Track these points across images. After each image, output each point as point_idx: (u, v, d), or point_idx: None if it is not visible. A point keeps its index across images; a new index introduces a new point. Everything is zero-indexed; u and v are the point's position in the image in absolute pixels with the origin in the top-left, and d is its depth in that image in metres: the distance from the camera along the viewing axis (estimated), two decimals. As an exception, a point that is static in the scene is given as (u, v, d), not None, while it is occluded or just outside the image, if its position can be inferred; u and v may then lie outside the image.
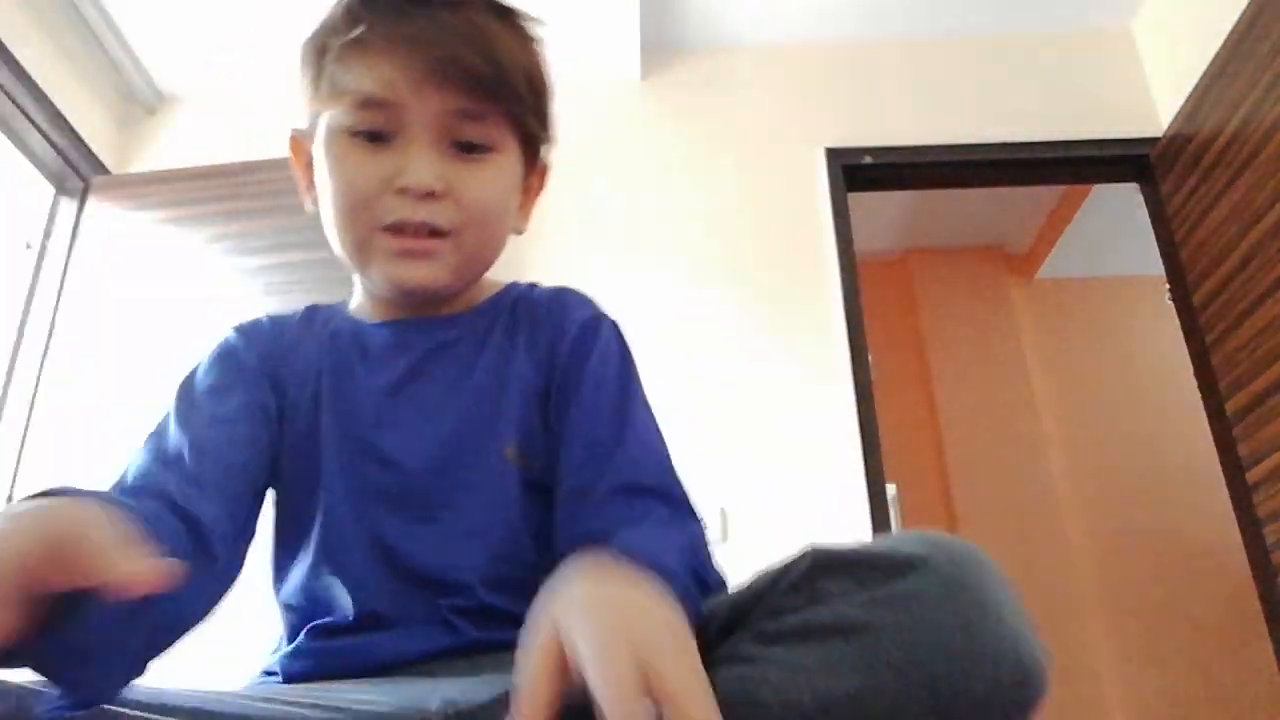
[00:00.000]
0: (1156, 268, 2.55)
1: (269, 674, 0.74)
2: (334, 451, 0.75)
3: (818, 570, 0.51)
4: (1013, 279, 3.95)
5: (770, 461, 2.22)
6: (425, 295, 0.77)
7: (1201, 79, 2.32)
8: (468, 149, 0.73)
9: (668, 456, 0.73)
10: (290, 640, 0.74)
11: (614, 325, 0.82)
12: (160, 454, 0.67)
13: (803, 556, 0.52)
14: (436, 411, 0.76)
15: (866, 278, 2.48)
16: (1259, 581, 2.14)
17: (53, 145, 2.41)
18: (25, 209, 2.48)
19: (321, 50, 0.74)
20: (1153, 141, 2.52)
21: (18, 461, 2.19)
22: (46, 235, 2.47)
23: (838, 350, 2.34)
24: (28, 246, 2.45)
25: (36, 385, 2.27)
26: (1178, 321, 2.44)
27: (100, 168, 2.55)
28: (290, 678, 0.70)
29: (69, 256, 2.41)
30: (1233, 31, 2.20)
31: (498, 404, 0.76)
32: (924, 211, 3.71)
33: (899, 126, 2.60)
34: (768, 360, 2.34)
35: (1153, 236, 2.54)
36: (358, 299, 0.85)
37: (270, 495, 0.77)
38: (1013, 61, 2.69)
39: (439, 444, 0.75)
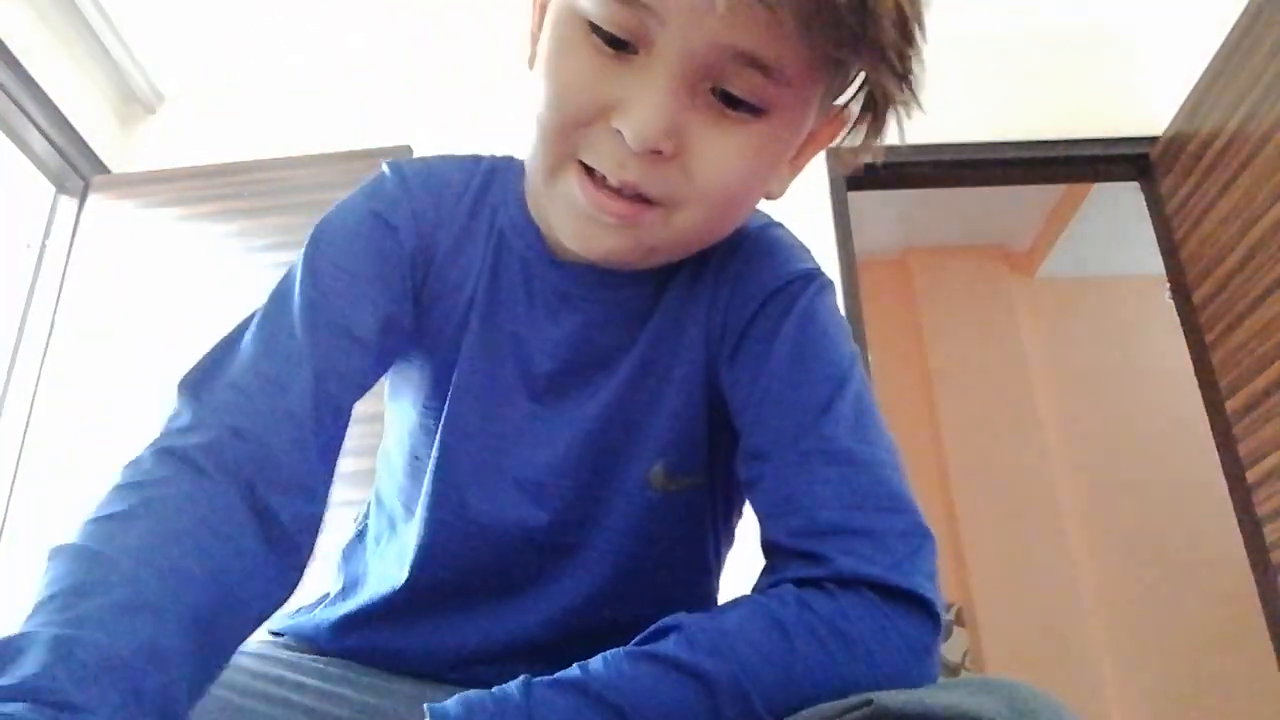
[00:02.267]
0: (1156, 267, 2.55)
1: (279, 633, 0.70)
2: (455, 431, 0.63)
3: None
4: (1013, 278, 3.95)
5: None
6: (607, 265, 0.59)
7: (1201, 79, 2.32)
8: (730, 102, 0.51)
9: (869, 507, 0.52)
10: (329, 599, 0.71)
11: (820, 289, 0.63)
12: (267, 364, 0.55)
13: (861, 703, 0.43)
14: (580, 413, 0.62)
15: (866, 277, 2.48)
16: (1259, 581, 2.14)
17: (53, 145, 2.41)
18: (25, 209, 2.48)
19: None
20: (1153, 141, 2.52)
21: (17, 462, 2.19)
22: (46, 235, 2.47)
23: (838, 350, 2.34)
24: (28, 246, 2.45)
25: (36, 385, 2.27)
26: (1178, 321, 2.44)
27: (100, 167, 2.55)
28: (319, 648, 0.67)
29: (69, 256, 2.41)
30: (1233, 31, 2.20)
31: (655, 398, 0.62)
32: (924, 211, 3.70)
33: (899, 126, 2.59)
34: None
35: (1153, 236, 2.54)
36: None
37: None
38: (1013, 61, 2.69)
39: (575, 468, 0.62)
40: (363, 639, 0.66)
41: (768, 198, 0.60)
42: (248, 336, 0.57)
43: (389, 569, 0.66)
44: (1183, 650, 3.24)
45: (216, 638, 0.45)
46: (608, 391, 0.62)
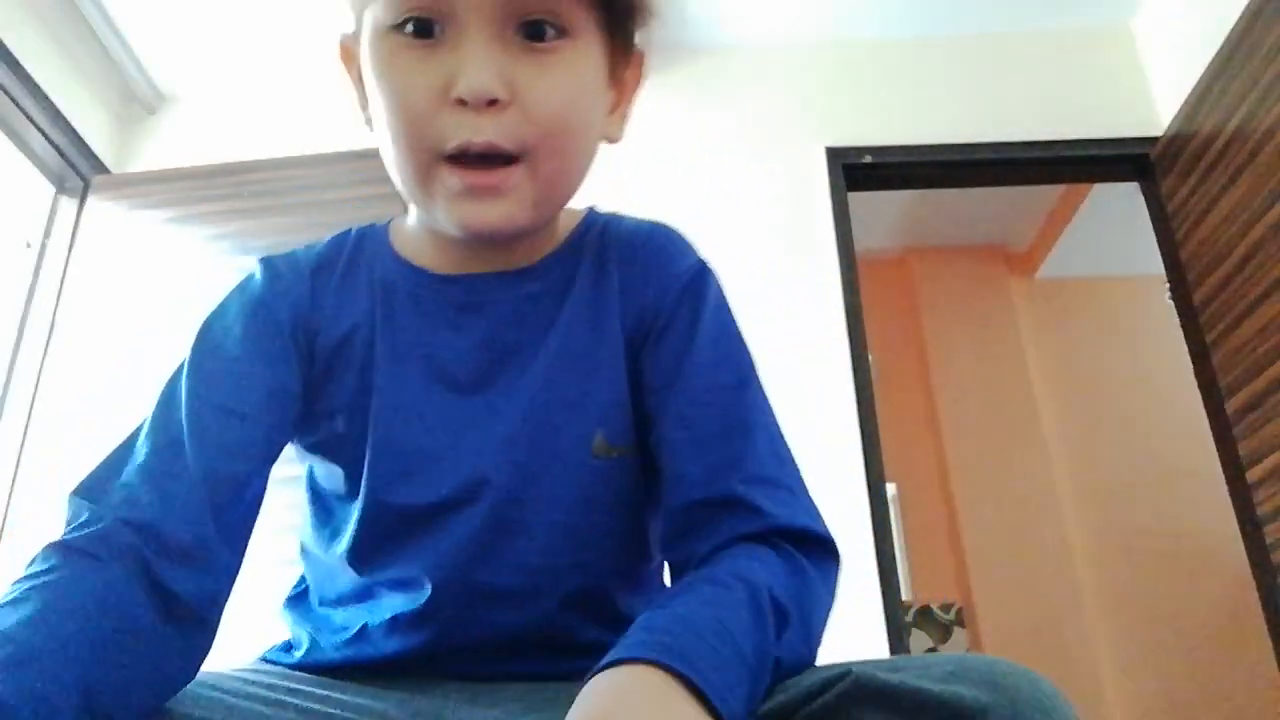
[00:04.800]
0: (1156, 267, 2.55)
1: (272, 660, 0.71)
2: (383, 448, 0.65)
3: (856, 698, 0.42)
4: (1013, 279, 3.95)
5: (770, 461, 2.21)
6: (501, 239, 0.64)
7: (1201, 79, 2.32)
8: (536, 35, 0.58)
9: (790, 468, 0.61)
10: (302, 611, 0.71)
11: (718, 280, 0.71)
12: (156, 459, 0.58)
13: (843, 675, 0.43)
14: (512, 398, 0.65)
15: (867, 277, 2.48)
16: (1259, 581, 2.14)
17: (53, 145, 2.41)
18: (25, 209, 2.48)
19: None
20: (1153, 141, 2.52)
21: (17, 461, 2.19)
22: (46, 235, 2.47)
23: (838, 350, 2.34)
24: (28, 246, 2.45)
25: (36, 385, 2.27)
26: (1178, 321, 2.44)
27: (100, 167, 2.55)
28: (305, 667, 0.67)
29: (69, 256, 2.41)
30: (1233, 31, 2.20)
31: (586, 377, 0.65)
32: (924, 211, 3.71)
33: (899, 126, 2.59)
34: (768, 360, 2.33)
35: (1153, 236, 2.54)
36: (413, 235, 0.70)
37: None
38: (1013, 61, 2.69)
39: (514, 443, 0.64)
40: (356, 653, 0.66)
41: (609, 141, 0.68)
42: (139, 440, 0.59)
43: (353, 617, 0.67)
44: (1183, 650, 3.24)
45: (108, 703, 0.47)
46: (535, 376, 0.65)
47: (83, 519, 0.54)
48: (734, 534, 0.55)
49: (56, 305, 2.36)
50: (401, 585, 0.64)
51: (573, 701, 0.41)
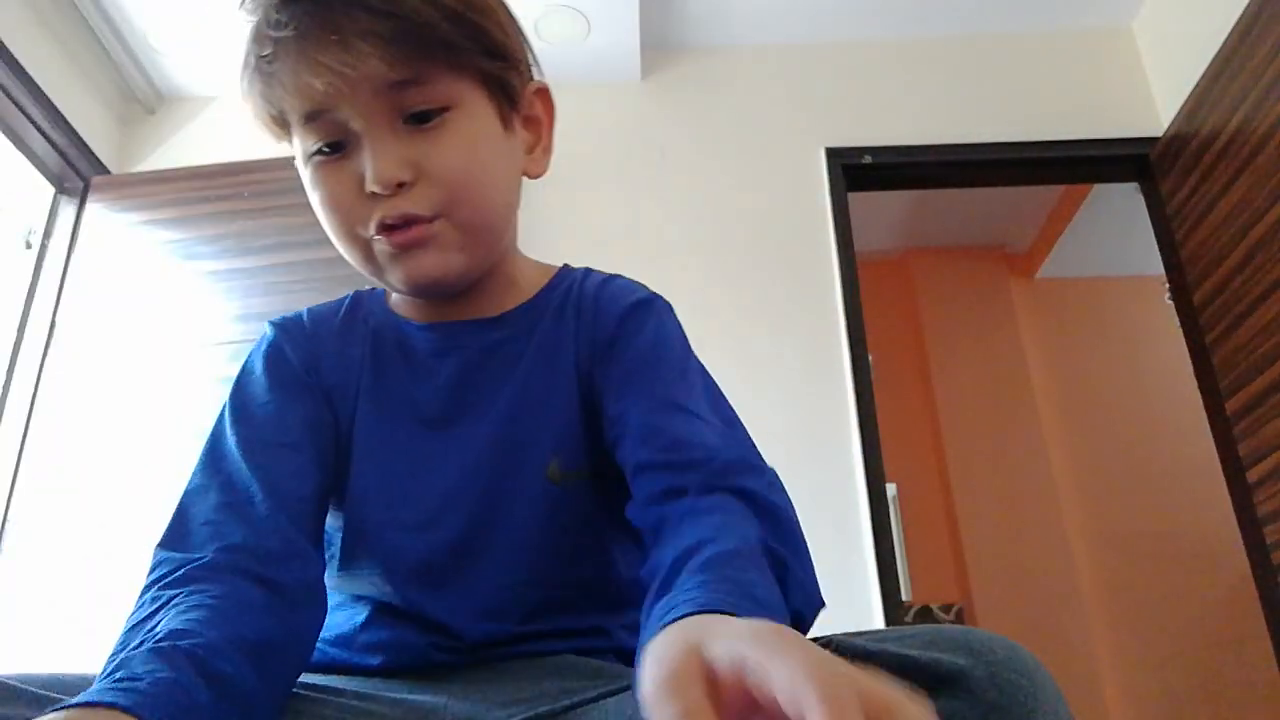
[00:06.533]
0: (1156, 268, 2.55)
1: None
2: (361, 477, 0.71)
3: None
4: (1013, 279, 3.95)
5: (770, 461, 2.22)
6: (445, 287, 0.71)
7: (1201, 79, 2.33)
8: (423, 119, 0.66)
9: (739, 434, 0.70)
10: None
11: (666, 304, 0.78)
12: (228, 496, 0.64)
13: (825, 645, 0.43)
14: (475, 432, 0.71)
15: (866, 277, 2.48)
16: (1259, 581, 2.14)
17: (53, 145, 2.41)
18: (25, 209, 2.48)
19: (250, 85, 0.69)
20: (1153, 141, 2.52)
21: (18, 461, 2.19)
22: (46, 235, 2.46)
23: (838, 350, 2.34)
24: (28, 246, 2.45)
25: (36, 385, 2.27)
26: (1178, 321, 2.44)
27: (100, 168, 2.55)
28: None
29: (69, 256, 2.41)
30: (1233, 31, 2.20)
31: (542, 411, 0.71)
32: (924, 211, 3.71)
33: (899, 126, 2.60)
34: (768, 360, 2.34)
35: (1153, 236, 2.54)
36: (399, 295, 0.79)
37: None
38: (1013, 61, 2.69)
39: (477, 471, 0.70)
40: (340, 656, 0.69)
41: (531, 176, 0.75)
42: (199, 484, 0.67)
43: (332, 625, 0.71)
44: (1183, 650, 3.24)
45: (275, 667, 0.56)
46: (497, 413, 0.71)
47: (173, 564, 0.60)
48: (682, 484, 0.60)
49: (56, 305, 2.36)
50: (369, 600, 0.69)
51: (567, 690, 0.40)
